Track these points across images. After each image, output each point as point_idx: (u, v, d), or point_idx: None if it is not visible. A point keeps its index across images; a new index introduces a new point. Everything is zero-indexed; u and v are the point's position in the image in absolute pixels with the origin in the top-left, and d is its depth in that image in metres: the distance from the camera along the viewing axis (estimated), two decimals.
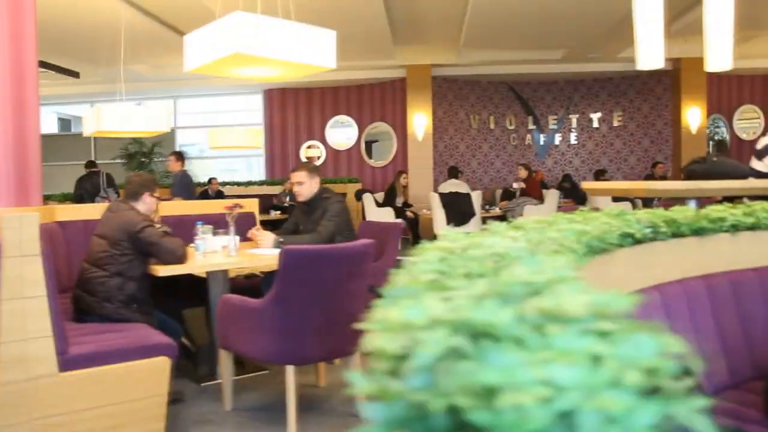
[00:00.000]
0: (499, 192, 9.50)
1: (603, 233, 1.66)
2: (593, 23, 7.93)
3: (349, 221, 3.62)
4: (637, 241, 1.88)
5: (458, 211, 7.70)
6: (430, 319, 0.43)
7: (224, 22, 3.38)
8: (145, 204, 3.12)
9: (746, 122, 10.88)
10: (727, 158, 3.45)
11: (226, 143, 9.55)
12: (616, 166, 10.67)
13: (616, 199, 7.69)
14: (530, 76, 10.50)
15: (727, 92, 10.71)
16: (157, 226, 3.15)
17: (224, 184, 11.32)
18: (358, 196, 9.00)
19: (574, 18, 7.68)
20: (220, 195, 10.04)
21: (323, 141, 11.05)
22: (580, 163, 10.80)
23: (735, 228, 2.27)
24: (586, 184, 4.68)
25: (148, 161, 10.63)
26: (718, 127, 10.76)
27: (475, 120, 10.70)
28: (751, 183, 3.39)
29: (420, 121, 9.96)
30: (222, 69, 3.85)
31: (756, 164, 3.75)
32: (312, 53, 3.68)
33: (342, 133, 11.05)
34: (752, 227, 2.27)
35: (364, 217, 8.34)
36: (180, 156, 7.63)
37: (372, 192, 9.22)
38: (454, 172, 8.45)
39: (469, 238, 0.86)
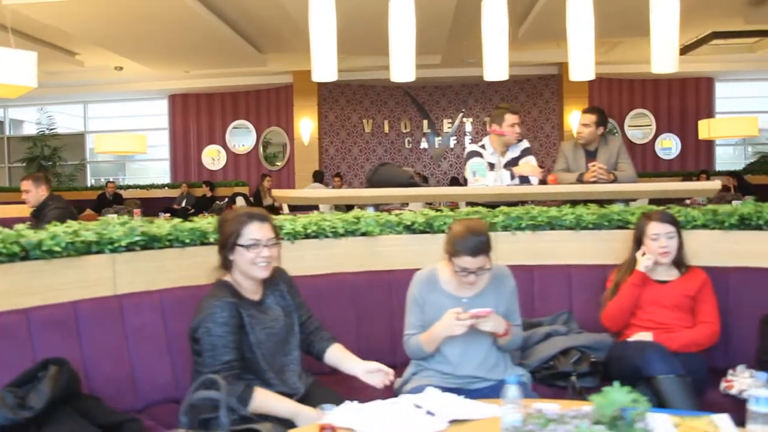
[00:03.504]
0: None
1: None
2: (459, 29, 8.06)
3: None
4: None
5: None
6: None
7: None
8: None
9: (637, 127, 10.96)
10: (394, 167, 3.60)
11: (111, 148, 9.81)
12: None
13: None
14: (425, 80, 10.62)
15: (618, 96, 10.79)
16: None
17: (127, 187, 11.59)
18: (232, 199, 9.22)
19: (438, 23, 7.80)
20: (117, 198, 10.29)
21: (224, 145, 11.28)
22: None
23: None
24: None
25: (51, 164, 10.88)
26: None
27: (368, 124, 10.87)
28: (416, 191, 3.51)
29: (306, 125, 10.16)
30: None
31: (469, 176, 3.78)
32: (11, 74, 3.89)
33: (241, 137, 11.28)
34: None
35: None
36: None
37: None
38: (319, 177, 8.69)
39: None
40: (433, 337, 2.10)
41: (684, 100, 10.88)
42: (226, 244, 1.97)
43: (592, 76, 3.83)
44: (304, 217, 2.76)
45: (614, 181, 3.54)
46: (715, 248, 2.59)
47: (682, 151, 10.93)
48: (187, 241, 2.46)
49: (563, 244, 2.75)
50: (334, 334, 2.18)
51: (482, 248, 2.01)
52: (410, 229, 2.76)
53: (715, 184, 3.12)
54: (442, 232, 2.77)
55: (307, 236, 2.70)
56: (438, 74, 10.16)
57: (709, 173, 9.76)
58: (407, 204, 5.01)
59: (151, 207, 8.46)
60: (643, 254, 2.40)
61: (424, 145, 11.05)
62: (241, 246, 1.95)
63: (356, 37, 8.32)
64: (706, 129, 8.92)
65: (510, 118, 3.72)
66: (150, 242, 2.39)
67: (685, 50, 9.05)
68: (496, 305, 2.14)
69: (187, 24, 6.92)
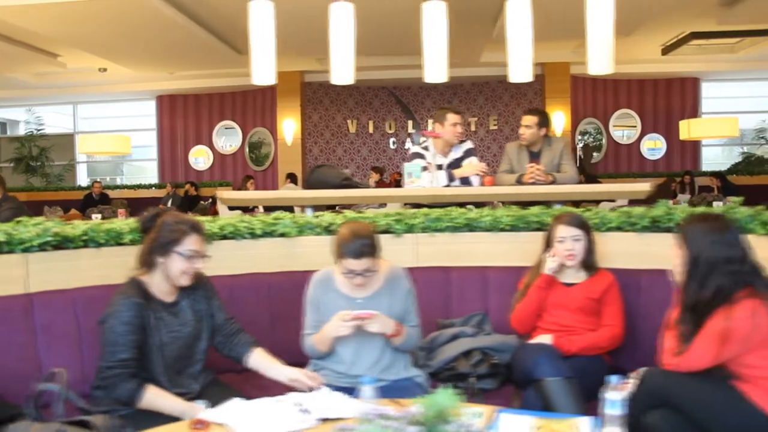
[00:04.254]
0: None
1: None
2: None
3: None
4: None
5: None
6: None
7: None
8: None
9: (622, 127, 10.94)
10: (329, 169, 3.62)
11: (95, 149, 9.88)
12: (492, 170, 10.75)
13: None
14: (410, 80, 10.63)
15: (603, 97, 10.76)
16: None
17: (115, 187, 11.67)
18: (215, 199, 9.27)
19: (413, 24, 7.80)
20: (104, 198, 10.37)
21: (210, 146, 11.33)
22: None
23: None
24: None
25: (40, 165, 10.97)
26: (589, 132, 10.84)
27: (353, 124, 10.89)
28: (348, 192, 3.52)
29: (289, 126, 10.20)
30: None
31: (405, 178, 3.83)
32: None
33: (227, 137, 11.33)
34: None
35: None
36: None
37: None
38: (293, 177, 8.73)
39: None
40: (324, 337, 2.13)
41: (670, 101, 10.84)
42: (161, 246, 2.00)
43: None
44: (223, 218, 2.79)
45: (553, 182, 3.55)
46: (628, 250, 2.59)
47: (668, 152, 10.89)
48: (102, 241, 2.49)
49: (481, 246, 2.76)
50: (250, 333, 2.21)
51: (365, 251, 2.03)
52: (329, 230, 2.78)
53: (644, 185, 3.11)
54: None
55: (224, 237, 2.73)
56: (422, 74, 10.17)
57: (693, 174, 9.72)
58: (385, 204, 5.03)
59: (139, 207, 8.54)
60: (553, 256, 2.41)
61: (408, 145, 11.05)
62: (179, 254, 1.98)
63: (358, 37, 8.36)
64: (686, 129, 8.88)
65: (452, 118, 3.74)
66: (64, 242, 2.43)
67: (666, 50, 9.04)
68: (389, 306, 2.17)
69: (160, 27, 6.97)
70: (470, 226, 2.77)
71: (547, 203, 3.18)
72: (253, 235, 2.75)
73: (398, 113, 11.06)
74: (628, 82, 10.76)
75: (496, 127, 10.78)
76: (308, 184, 3.38)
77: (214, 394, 2.02)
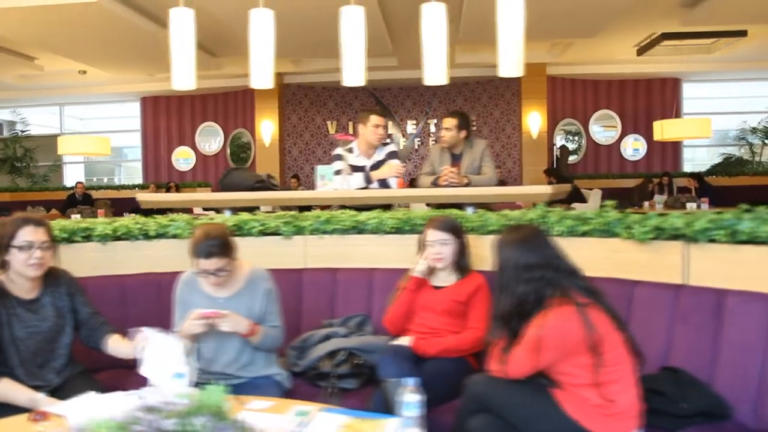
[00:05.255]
0: None
1: None
2: (401, 33, 8.11)
3: None
4: None
5: None
6: None
7: None
8: None
9: (602, 127, 10.92)
10: (242, 171, 3.69)
11: (75, 150, 10.02)
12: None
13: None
14: (390, 81, 10.68)
15: (582, 97, 10.75)
16: None
17: (99, 187, 11.82)
18: None
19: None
20: (87, 198, 10.52)
21: (193, 147, 11.46)
22: None
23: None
24: None
25: (24, 165, 11.14)
26: (571, 133, 10.82)
27: (332, 125, 10.96)
28: (260, 195, 3.57)
29: (267, 127, 10.28)
30: None
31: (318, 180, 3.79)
32: None
33: (210, 139, 11.44)
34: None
35: None
36: None
37: None
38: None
39: None
40: (183, 335, 2.19)
41: (651, 102, 10.81)
42: (2, 245, 2.10)
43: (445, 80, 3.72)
44: (119, 220, 2.87)
45: (468, 184, 3.58)
46: None
47: (648, 153, 10.85)
48: None
49: (367, 248, 2.81)
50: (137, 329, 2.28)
51: (214, 251, 2.10)
52: None
53: (545, 188, 3.14)
54: (251, 235, 2.85)
55: (118, 238, 2.81)
56: (405, 76, 10.22)
57: (672, 175, 9.69)
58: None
59: (122, 207, 8.73)
60: (424, 259, 2.45)
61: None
62: (14, 247, 2.08)
63: (318, 40, 8.41)
64: (660, 130, 8.86)
65: (374, 120, 3.79)
66: None
67: (641, 51, 9.02)
68: (249, 306, 2.24)
69: (127, 33, 7.07)
70: (358, 229, 2.82)
71: (459, 206, 3.23)
72: (147, 236, 2.82)
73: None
74: (608, 82, 10.74)
75: (475, 128, 10.79)
76: (222, 187, 3.45)
77: (73, 387, 2.09)
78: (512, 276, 1.86)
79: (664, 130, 8.72)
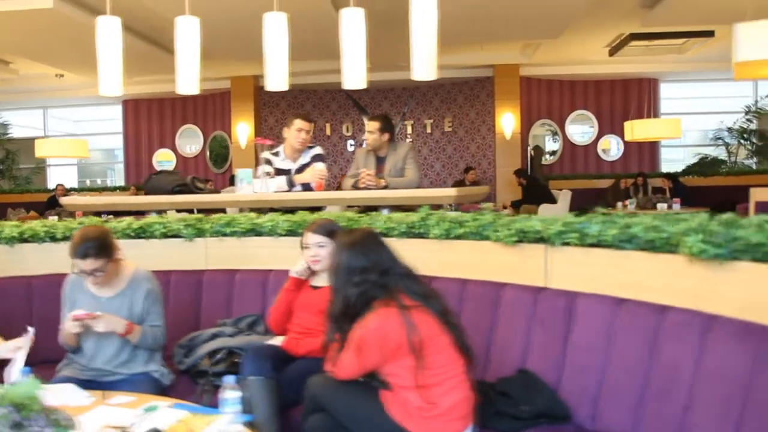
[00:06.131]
0: None
1: None
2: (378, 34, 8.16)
3: None
4: None
5: None
6: None
7: None
8: None
9: (579, 128, 10.95)
10: (166, 175, 3.79)
11: (53, 153, 10.15)
12: (448, 172, 10.88)
13: None
14: (368, 83, 10.74)
15: (558, 97, 10.79)
16: None
17: (81, 189, 11.95)
18: None
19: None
20: None
21: (174, 149, 11.58)
22: None
23: None
24: None
25: (6, 168, 11.28)
26: (549, 134, 10.87)
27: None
28: (180, 198, 3.65)
29: (243, 129, 10.39)
30: None
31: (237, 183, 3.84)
32: None
33: (190, 141, 11.57)
34: None
35: None
36: None
37: None
38: (233, 180, 8.91)
39: None
40: (64, 333, 2.31)
41: (627, 102, 10.82)
42: None
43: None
44: (25, 223, 2.96)
45: (385, 187, 3.66)
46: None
47: (625, 153, 10.87)
48: None
49: (264, 250, 2.90)
50: (44, 329, 2.35)
51: (88, 252, 2.19)
52: (126, 233, 2.93)
53: (450, 191, 3.21)
54: (154, 237, 2.94)
55: (25, 240, 2.90)
56: (381, 78, 10.29)
57: (646, 175, 9.71)
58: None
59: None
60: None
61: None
62: None
63: (295, 42, 8.49)
64: (630, 131, 8.89)
65: (298, 123, 3.88)
66: None
67: (612, 51, 9.05)
68: (131, 305, 2.34)
69: (91, 37, 7.16)
70: (256, 231, 2.91)
71: (375, 208, 3.32)
72: (54, 239, 2.91)
73: (355, 116, 11.19)
74: (584, 83, 10.77)
75: (450, 129, 10.86)
76: (146, 190, 3.55)
77: None
78: (343, 278, 1.93)
79: (634, 130, 8.75)
